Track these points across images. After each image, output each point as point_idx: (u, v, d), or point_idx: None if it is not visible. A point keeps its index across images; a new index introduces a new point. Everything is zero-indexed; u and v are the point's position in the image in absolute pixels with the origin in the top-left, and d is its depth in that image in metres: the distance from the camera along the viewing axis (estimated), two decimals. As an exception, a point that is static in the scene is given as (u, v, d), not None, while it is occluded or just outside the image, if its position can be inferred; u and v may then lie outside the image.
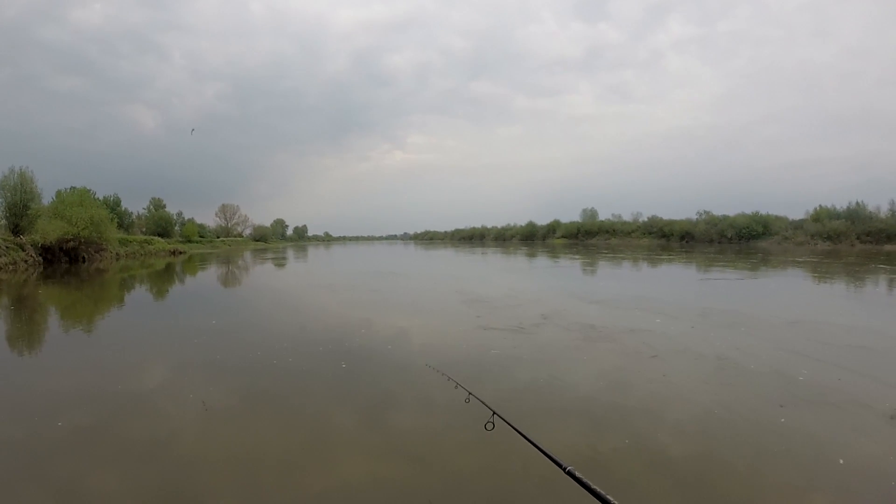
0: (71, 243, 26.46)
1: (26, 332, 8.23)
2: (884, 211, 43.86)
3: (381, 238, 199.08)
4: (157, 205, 63.90)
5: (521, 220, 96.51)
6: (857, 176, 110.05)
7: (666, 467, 3.11)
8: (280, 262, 30.45)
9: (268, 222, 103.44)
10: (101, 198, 43.34)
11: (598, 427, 3.75)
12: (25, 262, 23.27)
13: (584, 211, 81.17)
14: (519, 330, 7.25)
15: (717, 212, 59.30)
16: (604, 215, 79.16)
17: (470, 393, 2.91)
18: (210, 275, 21.31)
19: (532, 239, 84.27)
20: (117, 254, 31.75)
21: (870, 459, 3.18)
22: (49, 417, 4.02)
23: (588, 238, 72.91)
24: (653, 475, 3.02)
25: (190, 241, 55.18)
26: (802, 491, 2.86)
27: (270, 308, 10.80)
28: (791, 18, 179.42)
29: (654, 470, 3.08)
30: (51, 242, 25.47)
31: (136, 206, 78.14)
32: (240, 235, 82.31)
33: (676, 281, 16.01)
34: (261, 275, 21.77)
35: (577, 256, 30.24)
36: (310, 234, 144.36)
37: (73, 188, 35.85)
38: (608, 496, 1.40)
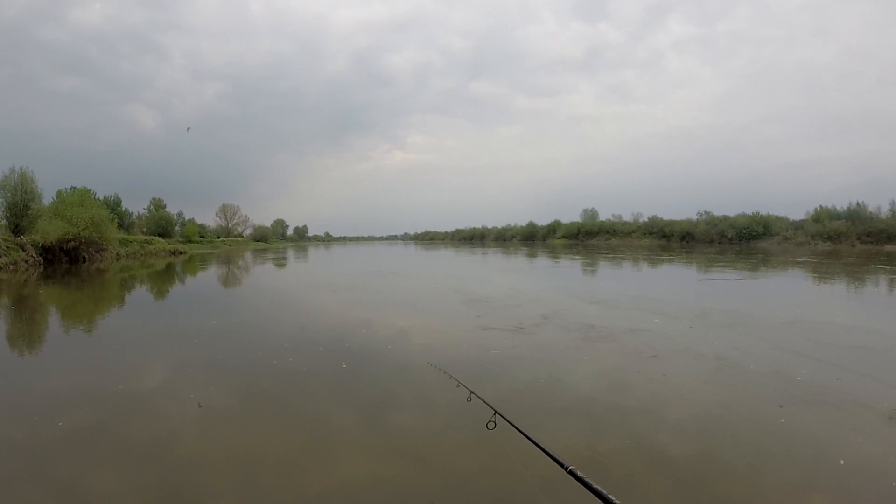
0: (71, 243, 26.47)
1: (27, 332, 8.24)
2: (884, 211, 43.86)
3: (381, 238, 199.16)
4: (158, 205, 63.94)
5: (521, 221, 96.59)
6: (857, 176, 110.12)
7: (666, 467, 3.11)
8: (280, 263, 30.46)
9: (268, 222, 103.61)
10: (101, 198, 43.39)
11: (598, 427, 3.75)
12: (26, 262, 23.28)
13: (585, 211, 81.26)
14: (519, 330, 7.25)
15: (718, 212, 59.36)
16: (604, 215, 79.26)
17: (472, 392, 2.92)
18: (210, 275, 21.32)
19: (532, 239, 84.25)
20: (118, 254, 31.77)
21: (870, 460, 3.18)
22: (49, 417, 4.02)
23: (588, 238, 72.90)
24: (653, 475, 3.02)
25: (190, 242, 55.19)
26: (802, 491, 2.86)
27: (271, 308, 10.81)
28: (791, 18, 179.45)
29: (654, 470, 3.08)
30: (51, 242, 25.48)
31: (136, 206, 78.22)
32: (240, 236, 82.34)
33: (676, 281, 16.01)
34: (261, 275, 21.78)
35: (577, 257, 30.24)
36: (310, 234, 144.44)
37: (73, 188, 35.92)
38: (610, 495, 1.41)
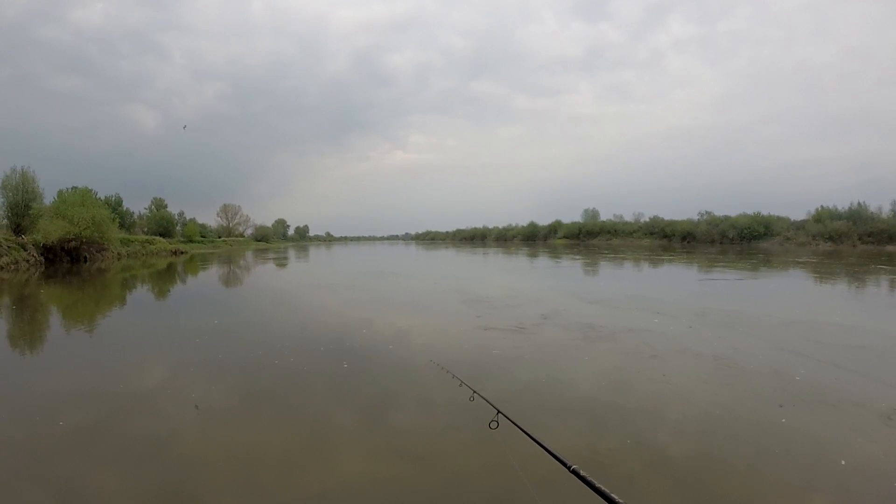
0: (72, 243, 26.50)
1: (28, 332, 8.25)
2: (885, 211, 43.81)
3: (382, 238, 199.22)
4: (159, 205, 63.99)
5: (522, 221, 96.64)
6: (857, 176, 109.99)
7: (666, 467, 3.11)
8: (281, 262, 30.48)
9: (268, 222, 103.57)
10: (102, 198, 43.45)
11: (598, 427, 3.75)
12: (27, 261, 23.32)
13: (586, 211, 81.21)
14: (519, 330, 7.25)
15: (719, 212, 59.30)
16: (605, 215, 79.21)
17: (474, 391, 2.91)
18: (211, 275, 21.34)
19: (533, 239, 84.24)
20: (119, 254, 31.80)
21: (869, 460, 3.18)
22: (50, 417, 4.03)
23: (589, 238, 72.86)
24: (653, 475, 3.02)
25: (191, 241, 55.23)
26: (802, 491, 2.86)
27: (272, 308, 10.82)
28: (791, 18, 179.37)
29: (654, 469, 3.08)
30: (52, 242, 25.51)
31: (137, 205, 78.26)
32: (241, 235, 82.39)
33: (676, 281, 15.99)
34: (262, 275, 21.80)
35: (577, 257, 30.22)
36: (311, 234, 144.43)
37: (74, 188, 35.95)
38: (613, 495, 1.40)
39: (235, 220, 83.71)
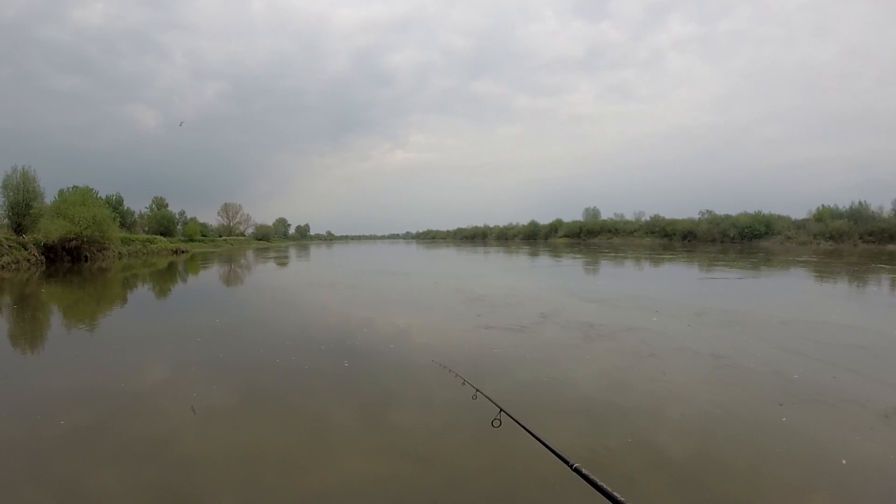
0: (73, 242, 26.51)
1: (29, 331, 8.26)
2: (886, 211, 43.68)
3: (383, 237, 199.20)
4: (160, 204, 64.05)
5: (523, 220, 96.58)
6: (858, 176, 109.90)
7: (667, 466, 3.11)
8: (282, 261, 30.49)
9: (269, 221, 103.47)
10: (103, 197, 43.47)
11: (599, 426, 3.75)
12: (28, 261, 23.33)
13: (587, 210, 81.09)
14: (520, 329, 7.25)
15: (719, 211, 59.18)
16: (606, 214, 79.07)
17: (477, 390, 2.92)
18: (212, 274, 21.35)
19: (534, 238, 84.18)
20: (119, 253, 31.81)
21: (869, 459, 3.18)
22: (50, 416, 4.04)
23: (590, 237, 72.79)
24: (654, 474, 3.02)
25: (192, 240, 55.25)
26: (803, 491, 2.86)
27: (272, 306, 10.82)
28: (791, 18, 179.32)
29: (654, 469, 3.08)
30: (53, 241, 25.52)
31: (137, 205, 78.20)
32: (242, 234, 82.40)
33: (676, 280, 15.98)
34: (263, 274, 21.81)
35: (578, 256, 30.21)
36: (312, 233, 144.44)
37: (75, 187, 35.95)
38: (615, 493, 1.40)
39: (236, 220, 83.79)
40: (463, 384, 3.20)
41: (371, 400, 4.39)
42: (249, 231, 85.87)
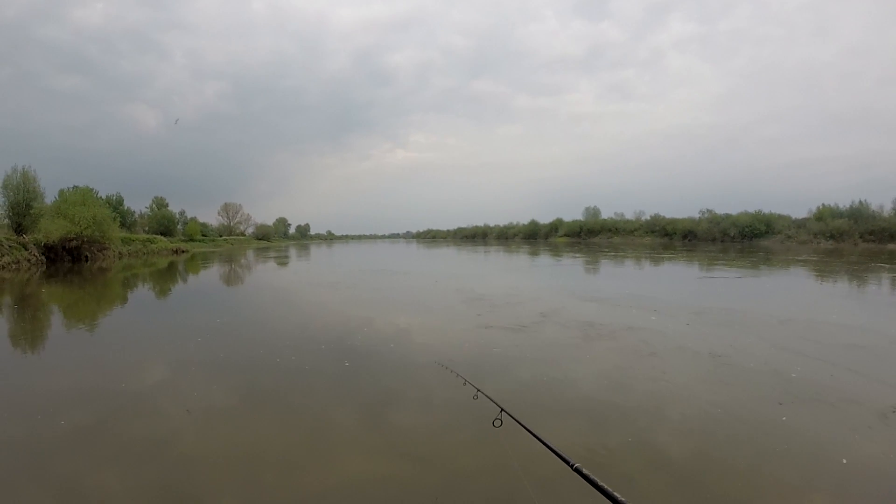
0: (74, 242, 26.51)
1: (29, 331, 8.27)
2: (887, 210, 43.68)
3: (383, 237, 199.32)
4: (160, 204, 64.05)
5: (523, 219, 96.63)
6: (858, 175, 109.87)
7: (667, 466, 3.11)
8: (282, 261, 30.49)
9: (269, 221, 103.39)
10: (103, 197, 43.48)
11: (599, 426, 3.75)
12: (28, 261, 23.34)
13: (587, 209, 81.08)
14: (520, 328, 7.25)
15: (720, 210, 59.18)
16: (606, 214, 79.06)
17: (478, 390, 2.92)
18: (212, 273, 21.36)
19: (535, 237, 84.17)
20: (120, 253, 31.82)
21: (869, 459, 3.17)
22: (51, 416, 4.04)
23: (590, 237, 72.78)
24: (654, 474, 3.02)
25: (192, 240, 55.25)
26: (803, 490, 2.86)
27: (273, 306, 10.82)
28: (792, 17, 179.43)
29: (655, 468, 3.08)
30: (53, 241, 25.52)
31: (138, 204, 78.17)
32: (242, 234, 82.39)
33: (676, 279, 15.97)
34: (263, 273, 21.81)
35: (578, 255, 30.21)
36: (312, 232, 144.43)
37: (75, 187, 35.94)
38: (616, 493, 1.40)
39: (236, 219, 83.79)
40: (464, 384, 3.20)
41: (371, 400, 4.39)
42: (250, 231, 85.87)
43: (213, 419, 3.98)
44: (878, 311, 9.01)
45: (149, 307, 11.38)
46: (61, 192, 33.21)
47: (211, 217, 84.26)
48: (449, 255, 35.06)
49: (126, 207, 52.99)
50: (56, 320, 9.69)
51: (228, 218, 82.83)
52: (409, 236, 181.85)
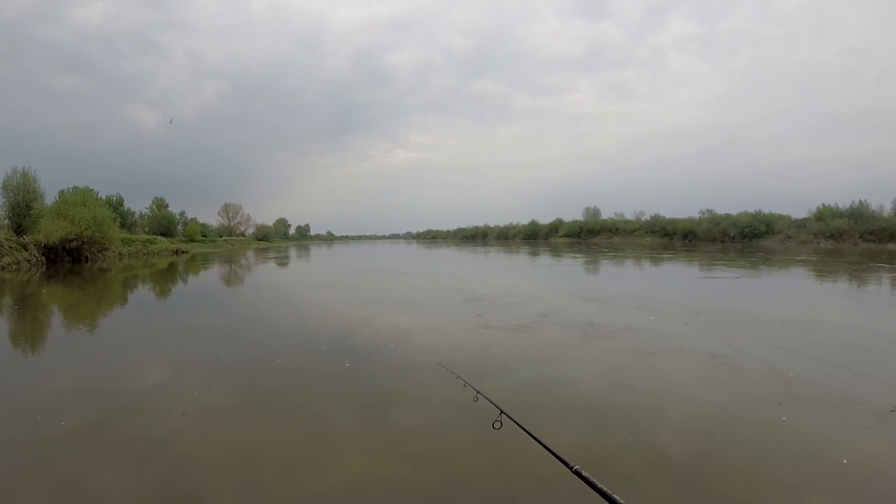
0: (74, 243, 26.52)
1: (29, 332, 8.27)
2: (887, 210, 43.69)
3: (383, 237, 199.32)
4: (160, 204, 64.07)
5: (523, 219, 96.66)
6: (858, 175, 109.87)
7: (667, 466, 3.11)
8: (282, 262, 30.50)
9: (269, 221, 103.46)
10: (103, 197, 43.49)
11: (599, 426, 3.75)
12: (28, 261, 23.34)
13: (587, 210, 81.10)
14: (520, 328, 7.25)
15: (720, 210, 59.19)
16: (606, 214, 79.09)
17: (478, 391, 2.92)
18: (213, 274, 21.36)
19: (535, 238, 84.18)
20: (120, 253, 31.83)
21: (869, 459, 3.17)
22: (51, 416, 4.04)
23: (591, 237, 72.78)
24: (654, 474, 3.02)
25: (192, 241, 55.26)
26: (803, 490, 2.86)
27: (273, 307, 10.83)
28: (792, 17, 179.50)
29: (655, 469, 3.08)
30: (54, 242, 25.53)
31: (138, 205, 78.27)
32: (242, 235, 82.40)
33: (675, 279, 15.97)
34: (263, 274, 21.82)
35: (578, 255, 30.21)
36: (312, 233, 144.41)
37: (75, 188, 35.97)
38: (615, 496, 1.40)
39: (236, 220, 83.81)
40: (464, 386, 3.20)
41: (371, 400, 4.39)
42: (250, 231, 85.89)
43: (213, 419, 3.98)
44: (877, 311, 9.01)
45: (149, 308, 11.39)
46: (61, 193, 33.22)
47: (211, 217, 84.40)
48: (449, 256, 35.06)
49: (126, 208, 53.05)
50: (56, 321, 9.69)
51: (228, 218, 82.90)
52: (408, 237, 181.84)
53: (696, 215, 62.19)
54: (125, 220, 48.04)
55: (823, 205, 49.34)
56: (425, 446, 3.46)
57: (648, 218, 69.56)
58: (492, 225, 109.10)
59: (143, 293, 14.54)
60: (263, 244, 74.64)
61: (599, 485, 1.48)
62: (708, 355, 5.64)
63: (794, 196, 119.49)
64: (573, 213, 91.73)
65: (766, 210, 53.84)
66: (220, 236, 72.94)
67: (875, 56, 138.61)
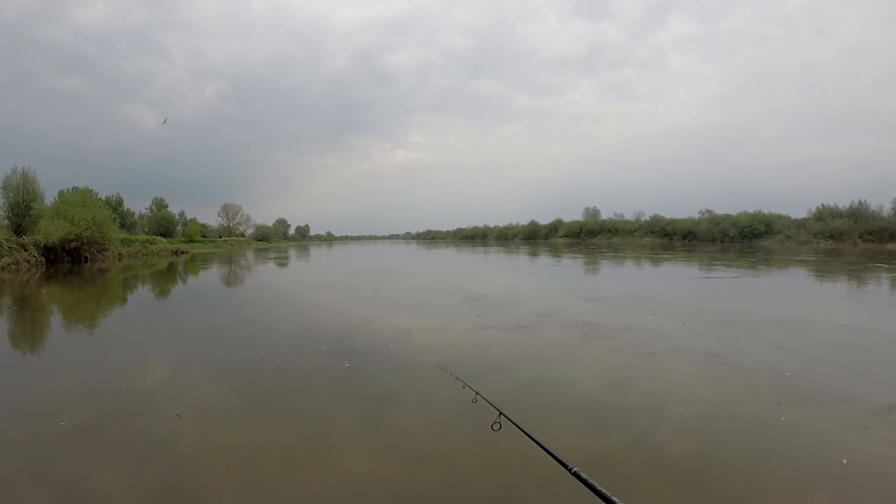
0: (73, 243, 26.53)
1: (29, 332, 8.27)
2: (886, 210, 43.70)
3: (383, 237, 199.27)
4: (160, 205, 64.06)
5: (523, 219, 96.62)
6: (858, 175, 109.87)
7: (667, 466, 3.11)
8: (282, 262, 30.49)
9: (269, 221, 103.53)
10: (103, 198, 43.48)
11: (598, 426, 3.75)
12: (28, 262, 23.34)
13: (587, 210, 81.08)
14: (519, 329, 7.25)
15: (720, 211, 59.12)
16: (606, 214, 79.05)
17: (477, 393, 2.92)
18: (212, 274, 21.36)
19: (534, 238, 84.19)
20: (119, 254, 31.82)
21: (869, 458, 3.18)
22: (51, 416, 4.04)
23: (590, 237, 72.79)
24: (654, 474, 3.02)
25: (192, 241, 55.25)
26: (803, 490, 2.86)
27: (273, 307, 10.83)
28: (792, 17, 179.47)
29: (655, 469, 3.08)
30: (53, 242, 25.53)
31: (137, 205, 78.27)
32: (242, 235, 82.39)
33: (675, 280, 15.98)
34: (263, 274, 21.81)
35: (578, 256, 30.22)
36: (312, 233, 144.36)
37: (75, 188, 35.98)
38: (613, 497, 1.40)
39: (236, 220, 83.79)
40: (463, 387, 3.20)
41: (371, 400, 4.39)
42: (249, 232, 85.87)
43: (213, 419, 3.98)
44: (876, 311, 9.02)
45: (149, 308, 11.38)
46: (61, 193, 33.22)
47: (211, 218, 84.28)
48: (448, 256, 35.07)
49: (126, 208, 53.02)
50: (56, 321, 9.69)
51: (228, 219, 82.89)
52: (408, 237, 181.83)
53: (696, 215, 62.25)
54: (125, 221, 48.02)
55: (823, 205, 49.40)
56: (425, 447, 3.47)
57: (648, 218, 69.59)
58: (491, 225, 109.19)
59: (142, 293, 14.53)
60: (263, 244, 74.62)
61: (598, 486, 1.48)
62: (707, 355, 5.64)
63: (793, 196, 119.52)
64: (573, 214, 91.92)
65: (765, 210, 53.90)
66: (220, 237, 72.94)
67: (875, 56, 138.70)
